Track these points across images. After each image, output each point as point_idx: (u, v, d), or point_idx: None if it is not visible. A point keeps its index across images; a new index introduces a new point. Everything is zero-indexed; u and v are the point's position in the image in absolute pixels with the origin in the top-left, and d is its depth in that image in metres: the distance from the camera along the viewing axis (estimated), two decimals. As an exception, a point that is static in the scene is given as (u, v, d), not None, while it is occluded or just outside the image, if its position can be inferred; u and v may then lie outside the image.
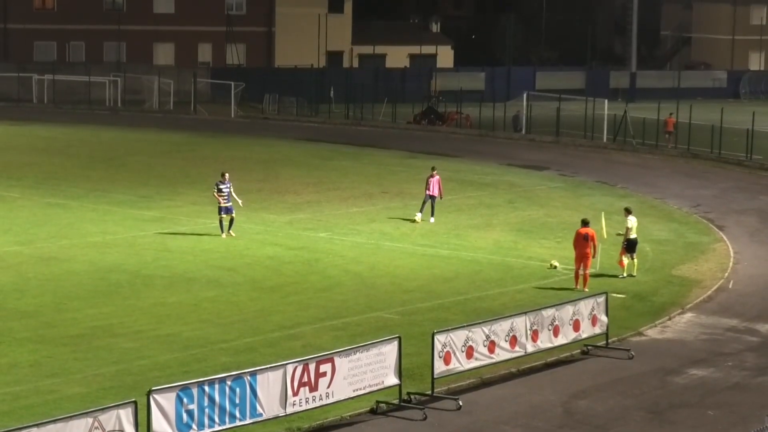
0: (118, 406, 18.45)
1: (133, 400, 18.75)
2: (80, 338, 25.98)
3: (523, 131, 68.33)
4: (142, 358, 24.60)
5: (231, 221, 37.50)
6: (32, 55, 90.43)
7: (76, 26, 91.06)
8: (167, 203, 43.65)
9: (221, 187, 37.44)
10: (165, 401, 19.14)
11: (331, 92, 79.62)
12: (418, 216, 40.63)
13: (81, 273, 32.22)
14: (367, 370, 22.00)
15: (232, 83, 78.71)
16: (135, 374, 23.48)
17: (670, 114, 63.19)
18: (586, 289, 30.88)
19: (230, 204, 37.41)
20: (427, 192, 40.82)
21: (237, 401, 20.09)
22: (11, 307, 28.59)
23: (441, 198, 41.23)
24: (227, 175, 38.09)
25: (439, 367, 22.82)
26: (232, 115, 77.17)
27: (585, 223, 31.92)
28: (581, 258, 31.42)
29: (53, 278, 31.57)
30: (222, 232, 37.42)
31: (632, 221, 33.37)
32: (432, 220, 40.62)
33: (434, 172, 41.24)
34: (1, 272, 32.08)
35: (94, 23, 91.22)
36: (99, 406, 18.86)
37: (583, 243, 31.33)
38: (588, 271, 31.56)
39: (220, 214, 37.47)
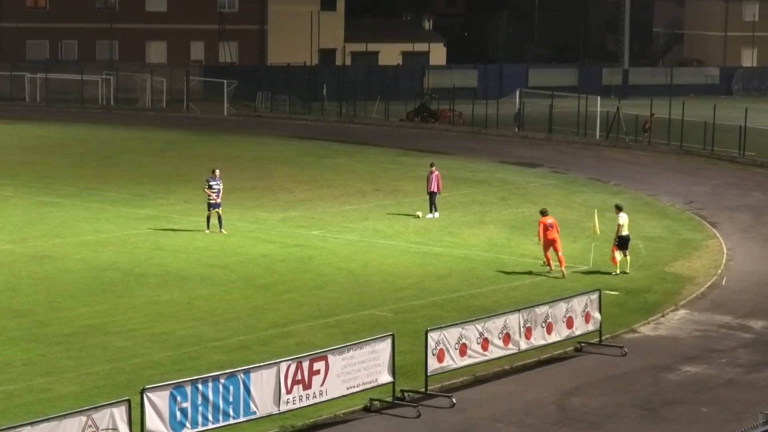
0: (111, 405, 18.43)
1: (127, 398, 18.74)
2: (74, 337, 25.95)
3: (519, 128, 68.35)
4: (136, 357, 24.57)
5: (219, 219, 37.59)
6: (25, 53, 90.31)
7: (68, 25, 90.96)
8: (160, 201, 43.62)
9: (212, 183, 37.67)
10: (159, 399, 19.12)
11: (324, 90, 79.62)
12: (434, 215, 40.72)
13: (74, 271, 32.19)
14: (361, 368, 21.99)
15: (225, 81, 78.69)
16: (128, 373, 23.46)
17: (652, 114, 63.30)
18: (564, 269, 32.30)
19: (219, 200, 37.56)
20: (429, 189, 41.02)
21: (231, 399, 20.08)
22: (4, 305, 28.54)
23: (439, 193, 41.33)
24: (218, 171, 38.27)
25: (433, 364, 22.83)
26: (225, 113, 77.13)
27: (544, 213, 33.43)
28: (550, 244, 32.67)
29: (46, 277, 31.54)
30: (208, 228, 37.55)
31: (623, 218, 33.42)
32: (436, 215, 40.77)
33: (433, 168, 41.38)
34: (-5, 271, 32.08)
35: (87, 22, 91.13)
36: (92, 404, 18.83)
37: (548, 231, 32.69)
38: (561, 254, 32.60)
39: (208, 210, 37.62)
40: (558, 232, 32.99)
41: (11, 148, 58.37)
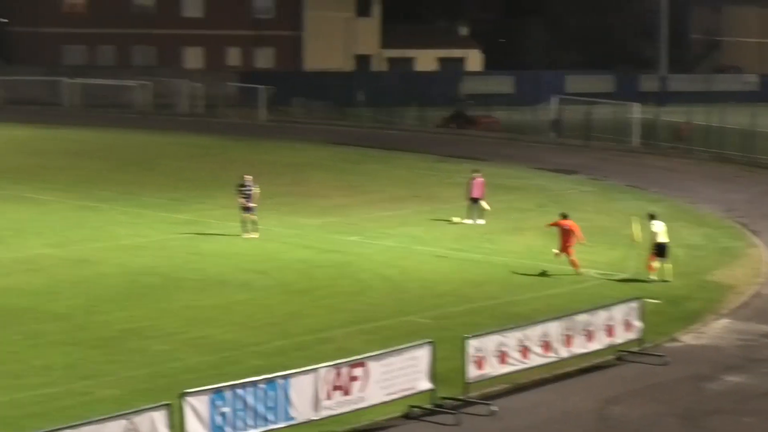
0: (152, 409, 18.43)
1: (168, 402, 18.72)
2: (113, 341, 26.02)
3: (558, 135, 68.20)
4: (174, 361, 24.60)
5: (253, 222, 37.70)
6: (62, 58, 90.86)
7: (105, 30, 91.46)
8: (198, 206, 43.71)
9: (243, 189, 37.79)
10: (199, 404, 19.11)
11: (360, 96, 79.67)
12: (467, 222, 40.69)
13: (113, 276, 32.29)
14: (400, 375, 21.90)
15: (261, 87, 78.85)
16: (167, 377, 23.46)
17: (687, 122, 63.07)
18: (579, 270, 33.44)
19: (253, 204, 37.65)
20: (471, 195, 40.96)
21: (270, 404, 20.03)
22: (45, 309, 28.67)
23: (482, 199, 41.24)
24: (249, 177, 38.37)
25: (472, 372, 22.71)
26: (261, 119, 77.29)
27: (565, 216, 34.25)
28: (567, 248, 33.62)
29: (85, 281, 31.65)
30: (244, 232, 37.61)
31: (658, 226, 33.24)
32: (480, 221, 40.66)
33: (477, 175, 41.31)
34: (35, 275, 32.20)
35: (124, 27, 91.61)
36: (132, 408, 18.82)
37: (567, 235, 33.63)
38: (574, 257, 33.67)
39: (242, 213, 37.77)
40: (577, 236, 33.76)
41: (50, 152, 58.72)
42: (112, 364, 24.33)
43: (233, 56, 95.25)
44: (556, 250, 34.15)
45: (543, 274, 33.60)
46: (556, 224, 34.23)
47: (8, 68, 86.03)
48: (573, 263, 33.63)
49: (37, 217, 40.89)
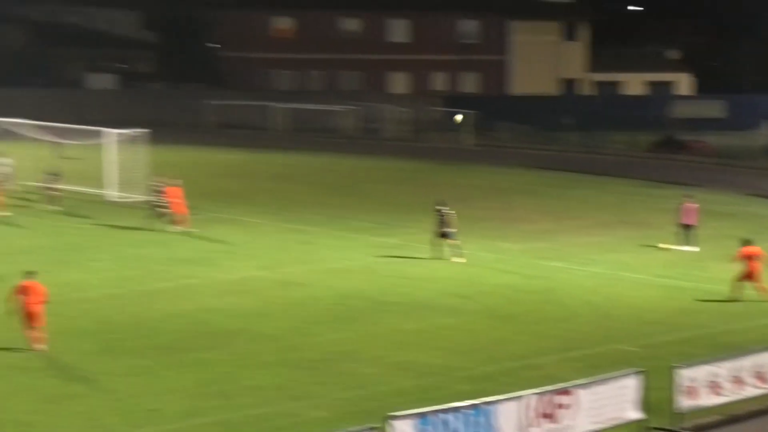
0: (360, 431, 18.57)
1: (375, 426, 18.84)
2: (322, 362, 26.37)
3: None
4: (382, 384, 24.76)
5: (454, 247, 37.74)
6: (271, 83, 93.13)
7: (313, 55, 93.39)
8: (404, 230, 44.02)
9: (438, 214, 37.94)
10: (405, 427, 19.16)
11: (566, 120, 79.12)
12: (678, 248, 39.95)
13: (321, 298, 32.78)
14: (608, 404, 21.57)
15: (467, 111, 79.10)
16: (375, 400, 23.60)
17: None
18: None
19: (450, 230, 37.75)
20: (681, 221, 40.20)
21: (476, 430, 19.96)
22: (256, 330, 29.29)
23: (695, 226, 40.36)
24: (444, 203, 38.38)
25: (683, 402, 22.20)
26: (466, 143, 77.49)
27: (748, 242, 33.15)
28: (749, 275, 32.56)
29: (295, 303, 32.20)
30: (443, 256, 37.66)
31: None
32: (695, 248, 39.90)
33: (688, 200, 40.62)
34: (247, 296, 32.95)
35: (331, 52, 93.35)
36: (340, 431, 19.00)
37: (750, 262, 32.62)
38: (762, 284, 32.46)
39: (438, 238, 37.91)
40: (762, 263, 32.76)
41: (260, 176, 60.17)
42: (321, 385, 24.65)
43: (438, 81, 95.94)
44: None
45: (756, 302, 32.58)
46: (742, 255, 33.02)
47: (220, 93, 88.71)
48: (763, 289, 32.56)
49: (250, 239, 41.89)
